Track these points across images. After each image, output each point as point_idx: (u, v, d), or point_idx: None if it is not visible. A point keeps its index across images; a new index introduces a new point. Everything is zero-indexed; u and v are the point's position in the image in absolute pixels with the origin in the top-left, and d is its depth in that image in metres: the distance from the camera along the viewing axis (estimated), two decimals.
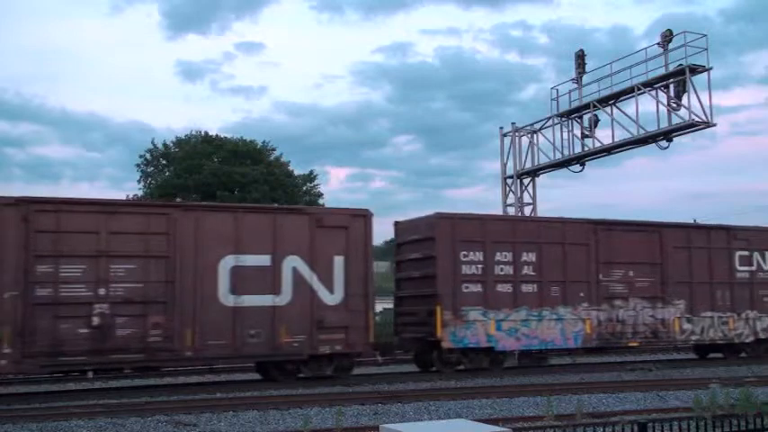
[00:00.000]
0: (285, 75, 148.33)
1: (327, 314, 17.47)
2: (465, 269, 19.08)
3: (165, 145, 43.11)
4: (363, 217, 18.24)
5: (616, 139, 26.73)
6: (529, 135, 30.37)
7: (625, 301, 20.83)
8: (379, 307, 26.06)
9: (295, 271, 17.34)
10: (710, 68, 24.11)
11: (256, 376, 18.79)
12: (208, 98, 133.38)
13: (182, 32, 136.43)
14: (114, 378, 19.31)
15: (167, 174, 41.21)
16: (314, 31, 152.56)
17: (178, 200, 30.82)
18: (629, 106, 26.35)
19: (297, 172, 43.24)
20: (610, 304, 20.64)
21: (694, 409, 11.80)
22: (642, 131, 25.68)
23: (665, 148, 25.91)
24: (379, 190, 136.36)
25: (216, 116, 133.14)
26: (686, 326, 21.63)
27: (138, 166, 43.03)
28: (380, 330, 22.59)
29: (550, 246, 20.04)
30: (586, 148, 27.96)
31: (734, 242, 22.65)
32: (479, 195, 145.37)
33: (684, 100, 24.44)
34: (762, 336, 22.77)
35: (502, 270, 19.46)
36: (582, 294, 20.25)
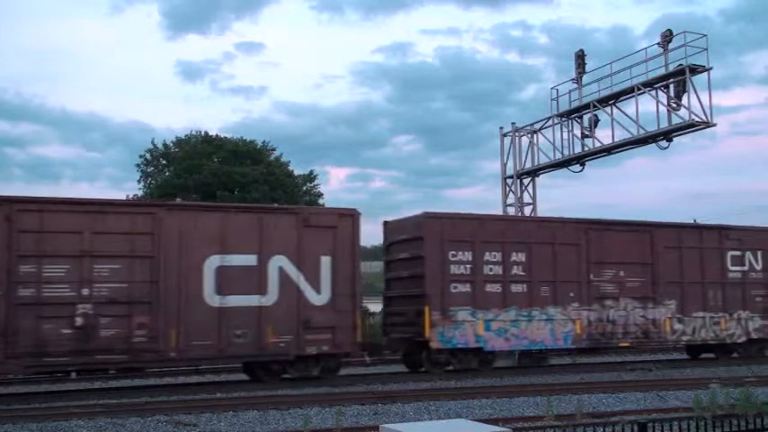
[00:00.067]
0: (285, 75, 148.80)
1: (314, 314, 17.41)
2: (454, 269, 18.99)
3: (165, 145, 43.09)
4: (351, 216, 18.18)
5: (616, 139, 26.65)
6: (529, 135, 30.31)
7: (616, 301, 20.72)
8: (377, 308, 26.01)
9: (281, 271, 17.28)
10: (710, 68, 24.04)
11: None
12: (208, 98, 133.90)
13: (182, 32, 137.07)
14: (114, 378, 19.33)
15: (167, 174, 41.19)
16: (314, 31, 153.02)
17: (178, 200, 30.77)
18: (629, 106, 26.30)
19: (297, 172, 43.21)
20: (600, 304, 20.53)
21: (694, 409, 11.79)
22: (642, 131, 25.59)
23: (665, 148, 25.83)
24: (379, 190, 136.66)
25: (216, 116, 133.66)
26: (677, 326, 21.50)
27: (138, 166, 43.05)
28: (376, 331, 22.58)
29: (540, 246, 19.93)
30: (586, 148, 27.88)
31: (726, 242, 22.52)
32: (479, 195, 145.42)
33: (684, 100, 24.35)
34: (754, 336, 22.61)
35: (491, 270, 19.36)
36: (572, 294, 20.14)
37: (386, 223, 21.05)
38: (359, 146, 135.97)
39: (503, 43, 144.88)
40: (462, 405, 13.77)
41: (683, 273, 21.72)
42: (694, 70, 24.03)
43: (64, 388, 17.94)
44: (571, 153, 28.29)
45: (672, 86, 24.75)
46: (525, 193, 30.57)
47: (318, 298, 17.56)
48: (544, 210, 33.13)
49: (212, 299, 16.68)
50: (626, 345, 21.13)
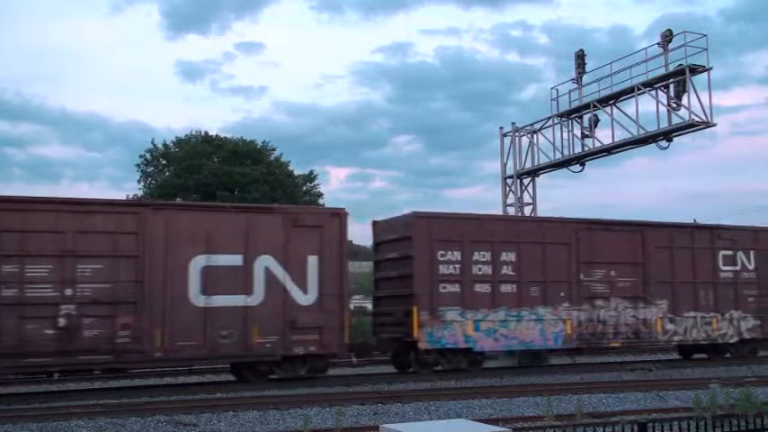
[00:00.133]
0: (285, 75, 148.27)
1: (300, 314, 17.32)
2: (442, 269, 18.87)
3: (165, 145, 43.07)
4: (338, 216, 18.09)
5: (616, 139, 26.39)
6: (529, 135, 30.10)
7: (606, 301, 20.58)
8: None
9: (267, 271, 17.20)
10: (710, 68, 23.74)
11: None
12: (208, 98, 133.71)
13: (182, 32, 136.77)
14: (114, 378, 19.32)
15: (167, 174, 41.19)
16: (314, 31, 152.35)
17: (178, 200, 30.79)
18: (629, 106, 26.04)
19: (297, 172, 43.14)
20: (591, 304, 20.38)
21: (694, 409, 11.74)
22: (642, 131, 25.34)
23: (665, 148, 25.55)
24: (379, 190, 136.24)
25: (216, 116, 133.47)
26: (669, 326, 21.33)
27: (138, 166, 43.04)
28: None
29: (530, 245, 19.80)
30: (586, 148, 27.65)
31: (717, 242, 22.34)
32: (479, 195, 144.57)
33: (684, 100, 24.08)
34: (746, 336, 22.42)
35: (480, 270, 19.23)
36: (562, 294, 20.00)
37: (375, 223, 20.95)
38: (359, 146, 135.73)
39: (503, 43, 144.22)
40: (462, 405, 13.75)
41: (675, 272, 21.55)
42: (694, 70, 23.79)
43: (64, 388, 17.95)
44: (571, 153, 28.07)
45: (672, 86, 24.53)
46: (525, 193, 30.35)
47: (305, 298, 17.46)
48: (544, 210, 32.98)
49: (198, 299, 16.61)
50: (617, 345, 20.99)
